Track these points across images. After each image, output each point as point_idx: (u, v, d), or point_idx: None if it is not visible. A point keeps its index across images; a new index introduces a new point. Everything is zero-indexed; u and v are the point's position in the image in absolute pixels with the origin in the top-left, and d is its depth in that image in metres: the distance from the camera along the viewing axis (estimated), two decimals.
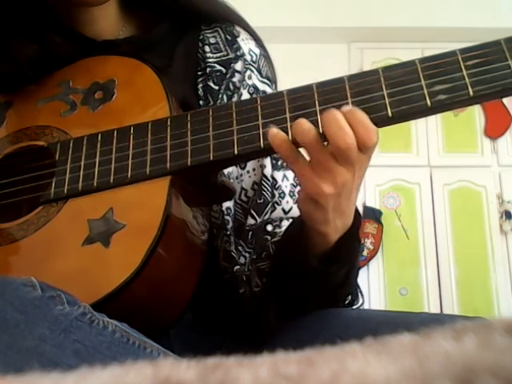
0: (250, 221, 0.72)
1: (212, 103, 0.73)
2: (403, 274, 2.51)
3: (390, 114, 0.56)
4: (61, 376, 0.22)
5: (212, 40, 0.78)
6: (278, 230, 0.71)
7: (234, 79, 0.75)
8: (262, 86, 0.77)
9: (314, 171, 0.55)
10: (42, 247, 0.61)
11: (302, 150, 0.57)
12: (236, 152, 0.59)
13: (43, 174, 0.66)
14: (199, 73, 0.75)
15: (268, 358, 0.22)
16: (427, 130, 2.68)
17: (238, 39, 0.78)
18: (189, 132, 0.61)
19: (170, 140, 0.61)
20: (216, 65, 0.76)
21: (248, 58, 0.77)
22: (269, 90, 0.77)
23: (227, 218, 0.70)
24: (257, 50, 0.79)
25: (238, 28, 0.80)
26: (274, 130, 0.55)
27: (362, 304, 0.71)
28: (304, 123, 0.55)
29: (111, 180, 0.61)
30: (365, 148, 0.54)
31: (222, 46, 0.78)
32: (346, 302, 0.69)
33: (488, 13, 2.66)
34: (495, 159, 2.67)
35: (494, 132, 2.71)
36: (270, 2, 2.64)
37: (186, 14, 0.79)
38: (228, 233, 0.70)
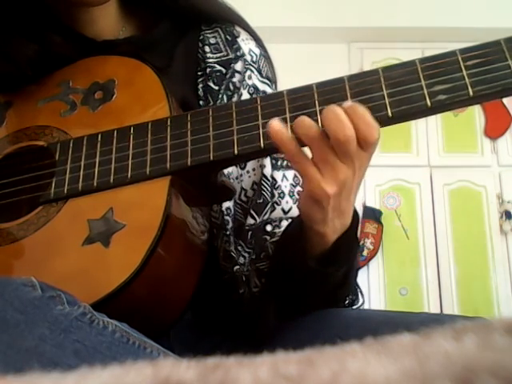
0: (250, 221, 0.72)
1: (212, 103, 0.73)
2: (403, 274, 2.51)
3: (390, 113, 0.56)
4: (61, 376, 0.22)
5: (212, 40, 0.78)
6: (277, 230, 0.71)
7: (234, 79, 0.75)
8: (262, 86, 0.77)
9: (316, 168, 0.54)
10: (41, 247, 0.61)
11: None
12: (236, 152, 0.59)
13: (43, 174, 0.66)
14: (199, 73, 0.75)
15: (268, 358, 0.22)
16: (427, 130, 2.68)
17: (238, 39, 0.78)
18: (189, 132, 0.61)
19: (170, 140, 0.61)
20: (216, 65, 0.76)
21: (248, 58, 0.77)
22: (269, 90, 0.77)
23: (227, 218, 0.70)
24: (257, 50, 0.79)
25: (238, 28, 0.80)
26: (276, 126, 0.55)
27: (362, 304, 0.71)
28: (305, 119, 0.55)
29: (111, 180, 0.61)
30: (366, 144, 0.53)
31: (222, 46, 0.78)
32: (346, 302, 0.69)
33: (488, 13, 2.66)
34: (495, 159, 2.68)
35: (493, 132, 2.71)
36: (270, 2, 2.64)
37: (186, 14, 0.79)
38: (228, 233, 0.70)
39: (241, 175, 0.74)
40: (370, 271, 2.51)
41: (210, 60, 0.76)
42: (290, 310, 0.66)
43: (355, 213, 0.61)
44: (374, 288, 2.48)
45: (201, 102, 0.73)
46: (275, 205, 0.72)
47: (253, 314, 0.69)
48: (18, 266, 0.62)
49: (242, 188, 0.74)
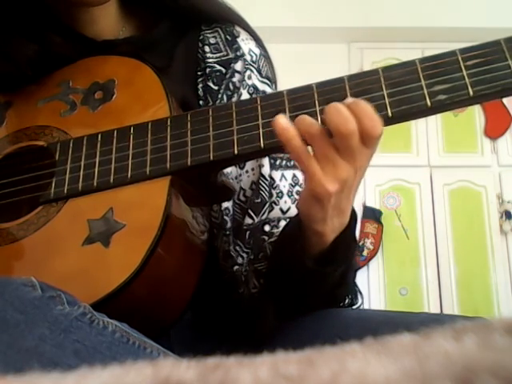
0: (248, 220, 0.71)
1: (212, 103, 0.73)
2: (403, 274, 2.51)
3: (390, 113, 0.56)
4: (61, 376, 0.22)
5: (212, 40, 0.78)
6: (275, 231, 0.71)
7: (234, 79, 0.75)
8: (261, 86, 0.77)
9: (319, 165, 0.54)
10: (41, 247, 0.61)
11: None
12: (236, 152, 0.59)
13: (43, 173, 0.66)
14: (199, 73, 0.75)
15: (268, 358, 0.22)
16: (427, 130, 2.68)
17: (238, 39, 0.78)
18: (189, 132, 0.61)
19: (170, 140, 0.61)
20: (216, 65, 0.76)
21: (248, 58, 0.77)
22: (269, 90, 0.77)
23: (226, 218, 0.70)
24: (257, 50, 0.79)
25: (238, 28, 0.80)
26: (283, 123, 0.54)
27: (362, 304, 0.71)
28: (306, 117, 0.55)
29: (111, 180, 0.61)
30: (368, 139, 0.53)
31: (221, 46, 0.78)
32: (346, 302, 0.69)
33: (488, 13, 2.66)
34: (495, 159, 2.68)
35: (494, 132, 2.71)
36: (270, 2, 2.64)
37: (186, 14, 0.79)
38: (227, 233, 0.70)
39: (240, 175, 0.74)
40: (369, 271, 2.51)
41: (210, 60, 0.76)
42: (288, 310, 0.66)
43: (353, 212, 0.61)
44: (373, 288, 2.48)
45: (201, 102, 0.73)
46: (273, 205, 0.72)
47: (252, 314, 0.69)
48: (18, 266, 0.62)
49: (241, 188, 0.74)
